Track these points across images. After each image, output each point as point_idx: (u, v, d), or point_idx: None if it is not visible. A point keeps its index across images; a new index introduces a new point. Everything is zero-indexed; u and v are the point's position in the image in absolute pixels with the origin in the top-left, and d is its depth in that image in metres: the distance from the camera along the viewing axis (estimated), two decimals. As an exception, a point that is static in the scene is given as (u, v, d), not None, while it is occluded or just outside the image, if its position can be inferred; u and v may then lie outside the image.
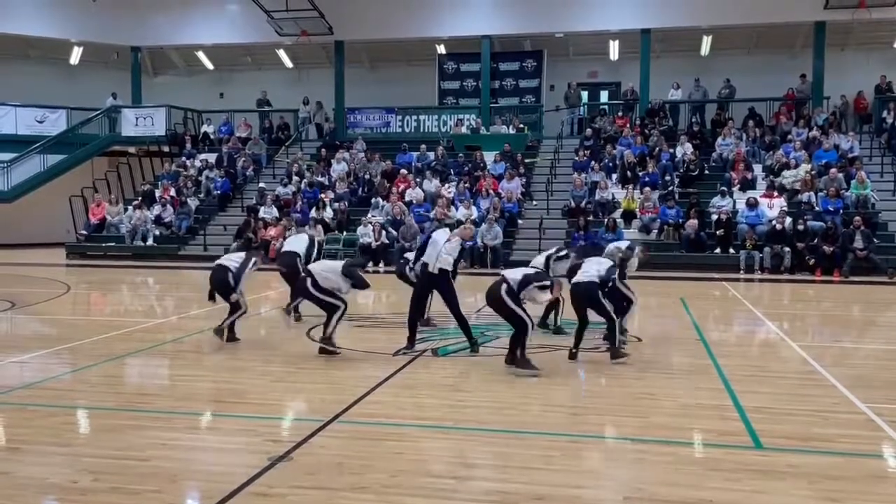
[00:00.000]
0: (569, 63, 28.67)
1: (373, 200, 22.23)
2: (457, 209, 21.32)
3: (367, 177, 23.79)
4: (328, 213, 21.80)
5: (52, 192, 25.54)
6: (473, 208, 21.13)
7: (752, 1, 24.06)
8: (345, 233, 21.18)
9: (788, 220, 19.02)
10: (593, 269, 8.38)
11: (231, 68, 31.23)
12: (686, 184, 21.87)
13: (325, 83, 28.30)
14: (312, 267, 8.84)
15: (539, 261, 9.79)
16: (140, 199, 24.08)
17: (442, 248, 8.69)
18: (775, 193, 20.38)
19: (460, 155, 24.70)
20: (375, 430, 5.94)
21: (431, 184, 22.60)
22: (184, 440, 5.73)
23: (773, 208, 19.67)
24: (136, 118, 28.05)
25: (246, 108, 28.67)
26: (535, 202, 22.58)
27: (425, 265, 8.79)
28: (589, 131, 24.95)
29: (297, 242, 11.25)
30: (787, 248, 18.52)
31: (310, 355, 8.63)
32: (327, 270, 8.60)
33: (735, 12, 24.37)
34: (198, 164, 25.88)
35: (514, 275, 7.84)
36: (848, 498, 4.63)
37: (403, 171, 23.42)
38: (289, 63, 30.10)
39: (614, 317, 8.29)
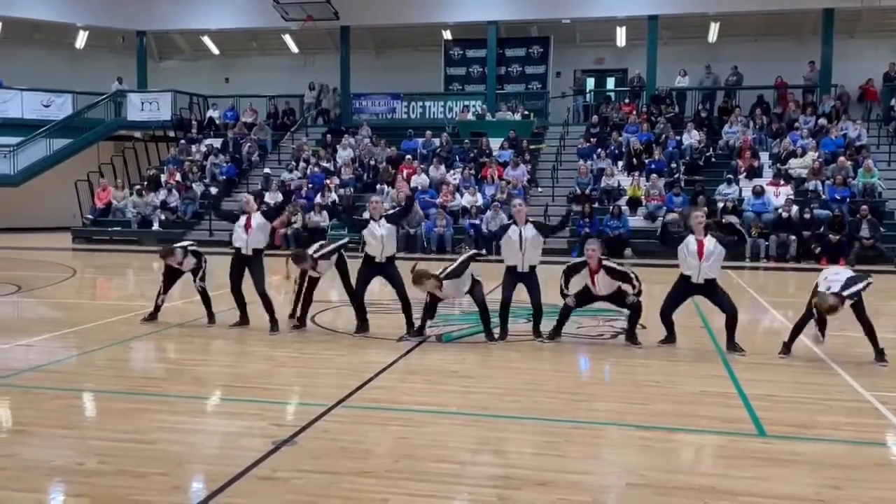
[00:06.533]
0: (575, 49, 28.50)
1: (378, 187, 22.20)
2: (461, 196, 21.29)
3: (372, 163, 23.75)
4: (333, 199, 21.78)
5: (57, 176, 25.57)
6: (479, 195, 21.10)
7: (761, -13, 23.92)
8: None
9: (795, 208, 18.95)
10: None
11: (237, 53, 31.14)
12: (692, 171, 21.79)
13: (331, 69, 28.22)
14: None
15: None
16: (146, 183, 24.10)
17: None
18: (782, 182, 20.31)
19: (466, 141, 24.64)
20: (380, 414, 5.96)
21: (437, 170, 22.56)
22: (189, 423, 5.75)
23: (779, 196, 19.62)
24: (142, 103, 28.02)
25: (251, 93, 28.59)
26: (540, 189, 22.52)
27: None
28: (595, 118, 24.84)
29: None
30: (792, 237, 18.47)
31: (314, 340, 8.65)
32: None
33: (743, -1, 24.22)
34: (203, 149, 25.88)
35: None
36: (851, 486, 4.63)
37: (409, 157, 23.38)
38: (294, 48, 30.01)
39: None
